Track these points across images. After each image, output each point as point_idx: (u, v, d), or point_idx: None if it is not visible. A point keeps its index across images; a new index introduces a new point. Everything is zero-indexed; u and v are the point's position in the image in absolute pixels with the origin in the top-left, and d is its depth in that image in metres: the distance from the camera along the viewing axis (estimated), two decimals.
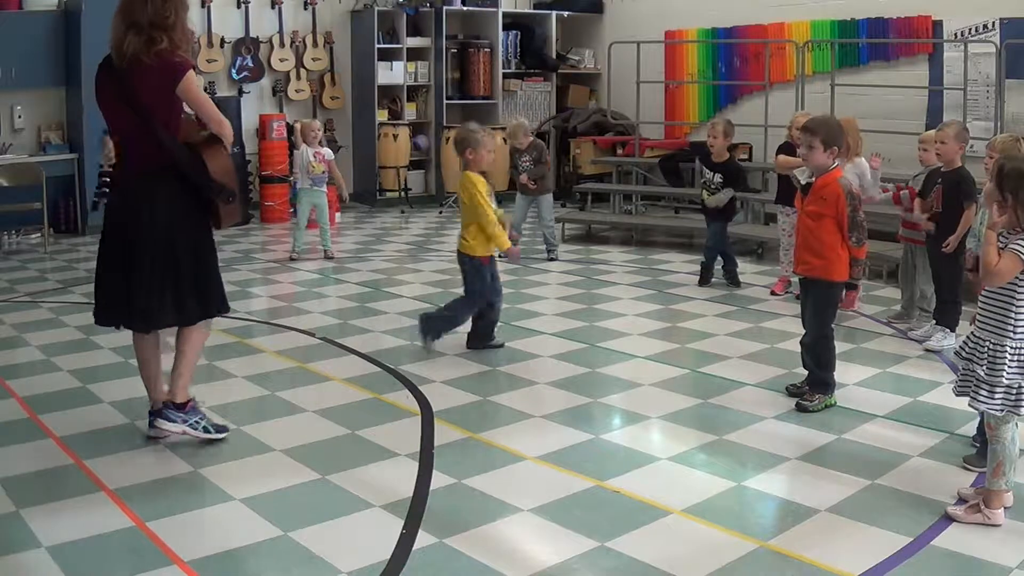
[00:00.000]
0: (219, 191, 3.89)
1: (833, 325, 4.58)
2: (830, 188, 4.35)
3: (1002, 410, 3.22)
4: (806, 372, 4.56)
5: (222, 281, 4.14)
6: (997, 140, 4.99)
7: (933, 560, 3.03)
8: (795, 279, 6.68)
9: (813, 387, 4.46)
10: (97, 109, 3.88)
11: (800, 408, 4.39)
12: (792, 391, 4.54)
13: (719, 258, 7.10)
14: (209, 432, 4.01)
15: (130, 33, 3.74)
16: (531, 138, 8.11)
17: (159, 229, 3.86)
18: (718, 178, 6.91)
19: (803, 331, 4.60)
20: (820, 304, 4.50)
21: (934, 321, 5.51)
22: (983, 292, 3.31)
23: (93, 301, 4.10)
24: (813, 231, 4.43)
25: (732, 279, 7.03)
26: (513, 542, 3.21)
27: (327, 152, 8.07)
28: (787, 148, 6.65)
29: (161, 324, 3.99)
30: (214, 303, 4.07)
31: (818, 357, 4.47)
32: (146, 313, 3.90)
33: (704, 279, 7.02)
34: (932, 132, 5.68)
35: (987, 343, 3.23)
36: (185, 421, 3.98)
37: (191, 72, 3.83)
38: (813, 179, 4.46)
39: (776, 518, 3.36)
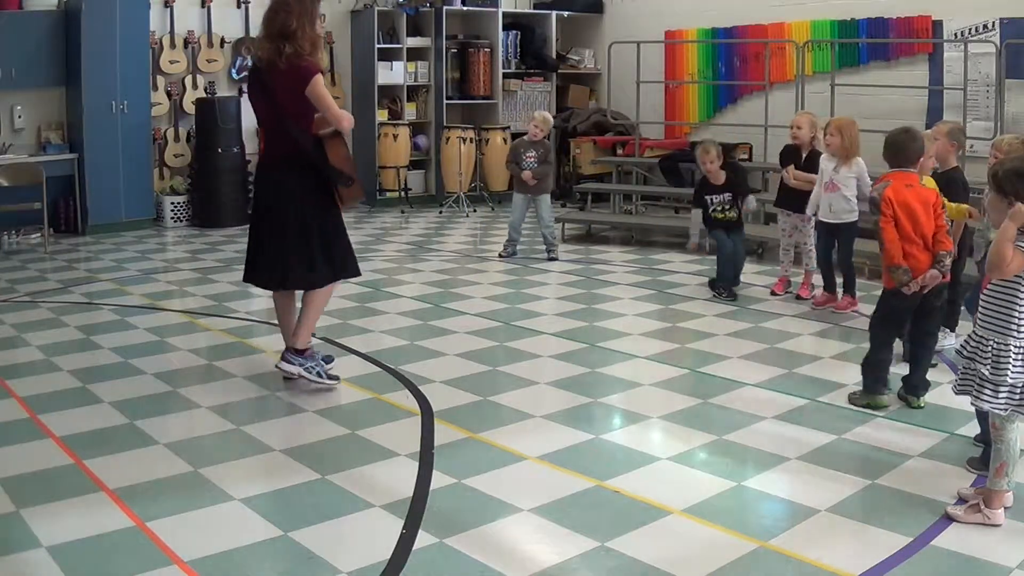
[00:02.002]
0: (337, 176, 4.57)
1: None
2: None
3: (1006, 409, 3.21)
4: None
5: (352, 249, 4.80)
6: (1004, 141, 4.96)
7: (933, 560, 3.03)
8: (796, 279, 6.71)
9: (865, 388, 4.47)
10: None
11: (848, 398, 4.48)
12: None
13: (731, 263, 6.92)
14: (321, 378, 4.68)
15: (266, 42, 4.47)
16: (545, 131, 8.12)
17: (291, 206, 4.57)
18: (727, 197, 6.71)
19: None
20: (876, 308, 4.54)
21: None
22: (984, 292, 3.31)
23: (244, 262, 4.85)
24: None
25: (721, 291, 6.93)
26: (513, 542, 3.21)
27: None
28: (790, 152, 6.63)
29: (293, 286, 4.73)
30: (340, 268, 4.74)
31: (866, 358, 4.47)
32: (281, 275, 4.66)
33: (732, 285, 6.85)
34: (927, 132, 5.67)
35: (990, 342, 3.23)
36: (302, 365, 4.66)
37: (318, 76, 4.47)
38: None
39: (776, 518, 3.36)
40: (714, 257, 6.99)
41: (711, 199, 6.77)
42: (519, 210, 8.03)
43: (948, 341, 5.27)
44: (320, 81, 4.45)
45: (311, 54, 4.49)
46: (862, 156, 6.14)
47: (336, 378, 4.76)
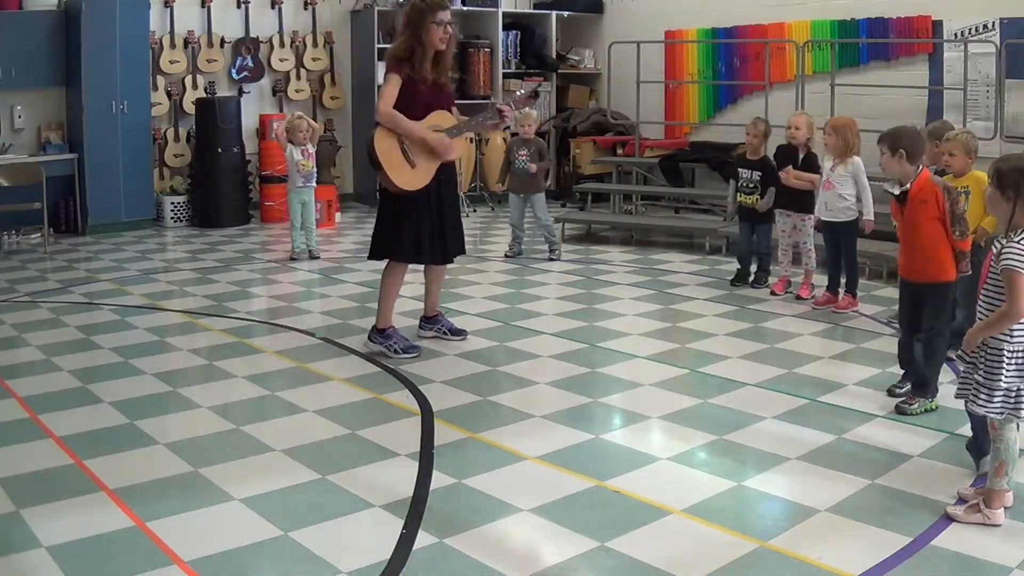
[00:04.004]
0: (369, 161, 5.09)
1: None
2: (927, 189, 4.26)
3: (1002, 413, 3.20)
4: (902, 372, 4.56)
5: (407, 235, 5.13)
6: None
7: (933, 560, 3.03)
8: (796, 279, 6.71)
9: (915, 390, 4.37)
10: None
11: (899, 411, 4.32)
12: (894, 392, 4.51)
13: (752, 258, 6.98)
14: (398, 353, 5.18)
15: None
16: (535, 126, 8.09)
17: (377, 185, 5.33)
18: (756, 175, 6.76)
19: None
20: (938, 307, 4.36)
21: None
22: (982, 295, 3.29)
23: None
24: (921, 237, 4.30)
25: (759, 280, 6.93)
26: (513, 542, 3.21)
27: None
28: (786, 152, 6.62)
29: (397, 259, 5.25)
30: (383, 249, 5.22)
31: (930, 358, 4.37)
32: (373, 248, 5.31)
33: (744, 278, 6.95)
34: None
35: (985, 346, 3.22)
36: (383, 343, 5.22)
37: (390, 74, 5.02)
38: (908, 187, 4.32)
39: (776, 518, 3.36)
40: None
41: (741, 172, 6.87)
42: (516, 209, 8.04)
43: None
44: (390, 80, 5.00)
45: (407, 59, 4.99)
46: (864, 155, 6.14)
47: (416, 348, 5.26)
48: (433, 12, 4.95)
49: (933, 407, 4.34)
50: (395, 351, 5.18)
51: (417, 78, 5.02)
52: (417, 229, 5.13)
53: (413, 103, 5.03)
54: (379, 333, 5.25)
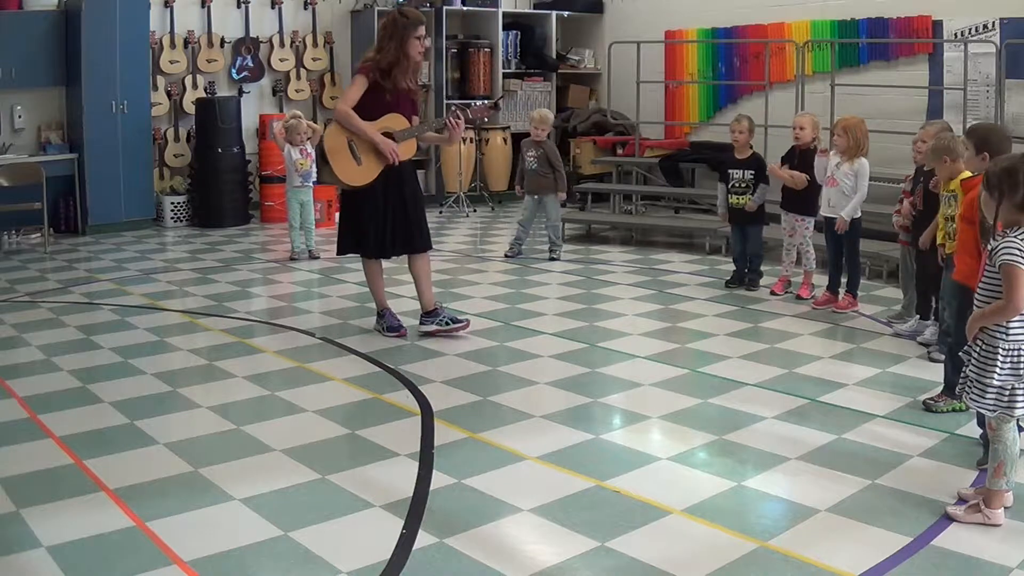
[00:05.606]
0: (319, 152, 5.44)
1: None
2: (972, 192, 4.13)
3: (994, 410, 3.21)
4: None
5: (349, 232, 5.56)
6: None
7: (933, 560, 3.03)
8: (796, 279, 6.71)
9: (946, 391, 4.33)
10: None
11: (926, 407, 4.32)
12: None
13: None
14: (383, 332, 5.65)
15: None
16: (547, 130, 8.07)
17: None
18: (748, 175, 6.72)
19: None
20: (955, 306, 4.28)
21: (918, 316, 5.51)
22: (978, 291, 3.29)
23: None
24: (961, 237, 4.22)
25: (752, 283, 6.91)
26: (513, 542, 3.21)
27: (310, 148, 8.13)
28: (791, 156, 6.61)
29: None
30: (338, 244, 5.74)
31: (956, 360, 4.37)
32: None
33: (739, 281, 6.91)
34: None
35: (979, 343, 3.23)
36: (377, 324, 5.73)
37: (359, 76, 5.33)
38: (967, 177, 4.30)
39: (776, 518, 3.36)
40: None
41: (732, 173, 6.81)
42: (527, 209, 8.05)
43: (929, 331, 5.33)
44: (357, 81, 5.32)
45: (388, 70, 5.28)
46: (870, 156, 6.12)
47: (399, 328, 5.65)
48: (415, 28, 5.30)
49: (961, 407, 4.27)
50: (383, 329, 5.64)
51: (388, 86, 5.32)
52: (367, 225, 5.44)
53: (375, 105, 5.34)
54: (377, 316, 5.71)
